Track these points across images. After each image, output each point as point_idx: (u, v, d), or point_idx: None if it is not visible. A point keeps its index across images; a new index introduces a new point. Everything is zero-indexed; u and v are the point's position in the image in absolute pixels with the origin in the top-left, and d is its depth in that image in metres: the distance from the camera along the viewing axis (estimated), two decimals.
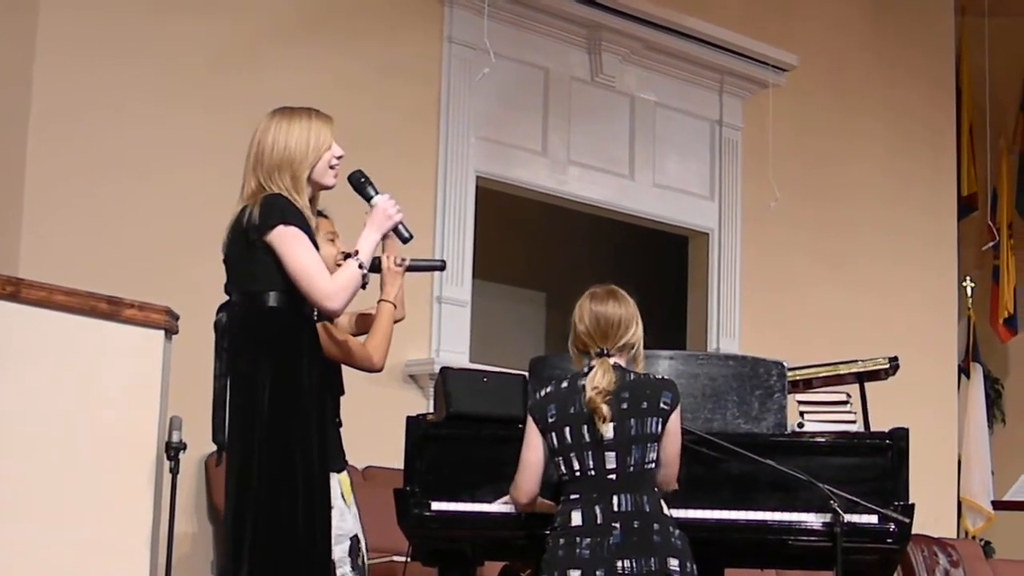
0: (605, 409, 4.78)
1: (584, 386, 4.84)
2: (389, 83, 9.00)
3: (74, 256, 7.39)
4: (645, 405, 4.82)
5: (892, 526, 5.18)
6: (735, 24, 10.71)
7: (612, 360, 4.88)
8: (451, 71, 9.33)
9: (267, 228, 4.50)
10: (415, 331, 8.87)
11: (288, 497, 4.43)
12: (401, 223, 4.81)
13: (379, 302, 5.33)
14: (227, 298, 4.66)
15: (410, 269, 5.37)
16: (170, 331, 5.05)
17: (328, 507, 4.64)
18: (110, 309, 4.87)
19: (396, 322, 5.40)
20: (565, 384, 4.91)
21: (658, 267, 11.39)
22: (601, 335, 4.90)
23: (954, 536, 11.86)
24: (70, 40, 7.70)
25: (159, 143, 7.93)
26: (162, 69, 8.02)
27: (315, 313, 4.65)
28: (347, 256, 4.69)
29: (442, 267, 5.69)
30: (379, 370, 5.38)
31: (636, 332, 4.95)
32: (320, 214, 5.00)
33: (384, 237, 4.82)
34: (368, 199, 4.81)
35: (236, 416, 4.49)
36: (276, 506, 4.42)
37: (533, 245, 11.79)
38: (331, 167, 4.69)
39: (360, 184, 4.83)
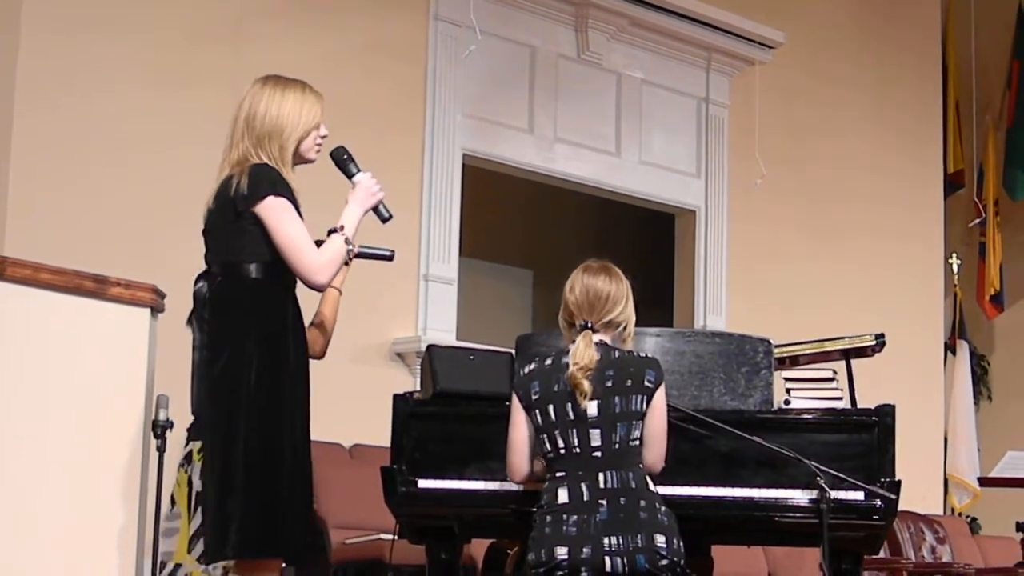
0: (586, 385, 4.78)
1: (568, 363, 4.84)
2: (375, 60, 8.98)
3: (59, 233, 7.37)
4: (629, 383, 4.82)
5: (878, 503, 5.18)
6: (722, 1, 10.70)
7: (597, 337, 4.88)
8: (437, 48, 9.32)
9: (256, 199, 4.48)
10: (402, 309, 8.87)
11: (275, 470, 4.43)
12: (382, 202, 4.79)
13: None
14: (205, 267, 4.64)
15: (358, 255, 5.33)
16: (156, 309, 5.04)
17: (310, 479, 4.62)
18: (96, 287, 4.85)
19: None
20: (549, 361, 4.91)
21: (645, 244, 11.39)
22: (588, 308, 4.90)
23: (940, 513, 11.91)
24: (55, 18, 7.68)
25: (144, 120, 7.92)
26: (146, 45, 8.00)
27: (296, 284, 4.63)
28: (332, 231, 4.67)
29: (390, 258, 5.60)
30: (321, 357, 5.34)
31: (625, 311, 4.95)
32: None
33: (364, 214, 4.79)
34: (350, 176, 4.78)
35: (221, 388, 4.48)
36: (264, 480, 4.41)
37: (519, 223, 11.80)
38: (316, 144, 4.68)
39: (343, 161, 4.80)
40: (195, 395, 4.56)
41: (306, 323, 5.14)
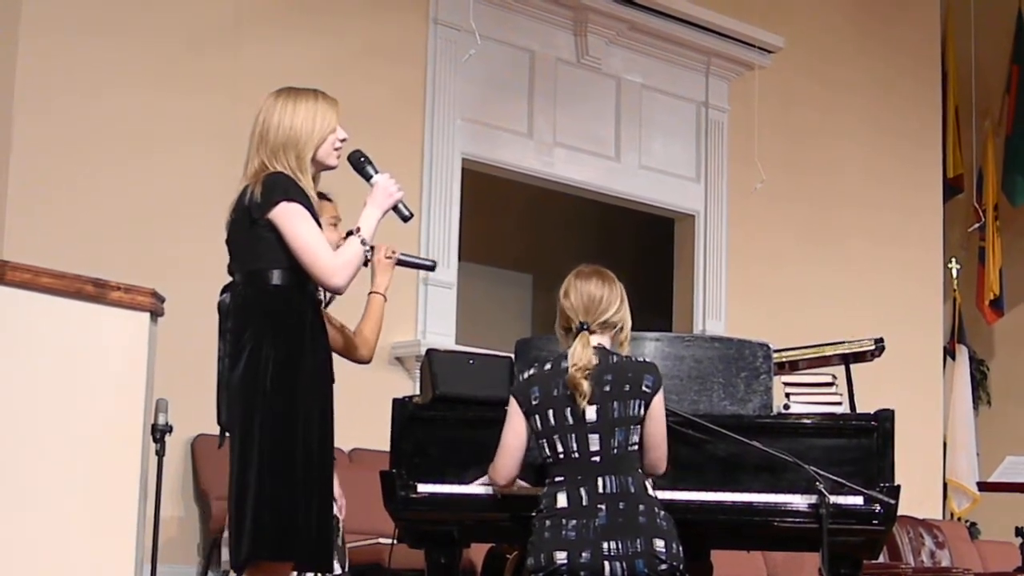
0: (586, 386, 4.78)
1: (567, 367, 4.84)
2: (374, 64, 8.98)
3: (58, 236, 7.37)
4: (627, 388, 4.82)
5: (878, 507, 5.18)
6: (721, 6, 10.71)
7: (595, 339, 4.88)
8: (437, 52, 9.32)
9: (269, 205, 4.50)
10: (401, 313, 8.87)
11: (288, 472, 4.43)
12: (401, 201, 4.80)
13: (370, 294, 5.32)
14: (230, 279, 4.65)
15: (400, 263, 5.35)
16: (156, 313, 5.04)
17: (330, 483, 4.62)
18: (96, 292, 4.85)
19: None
20: (548, 366, 4.91)
21: (644, 248, 11.40)
22: (583, 310, 4.91)
23: (940, 517, 11.91)
24: (54, 20, 7.68)
25: (143, 123, 7.92)
26: (145, 48, 8.01)
27: (319, 291, 4.64)
28: (349, 233, 4.68)
29: (432, 267, 5.63)
30: (367, 361, 5.37)
31: (619, 313, 4.95)
32: (323, 197, 5.00)
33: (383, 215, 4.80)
34: (368, 178, 4.79)
35: (239, 392, 4.48)
36: (277, 481, 4.41)
37: (519, 227, 11.80)
38: (335, 149, 4.68)
39: (360, 164, 4.81)
40: (220, 406, 4.56)
41: (352, 329, 5.19)
